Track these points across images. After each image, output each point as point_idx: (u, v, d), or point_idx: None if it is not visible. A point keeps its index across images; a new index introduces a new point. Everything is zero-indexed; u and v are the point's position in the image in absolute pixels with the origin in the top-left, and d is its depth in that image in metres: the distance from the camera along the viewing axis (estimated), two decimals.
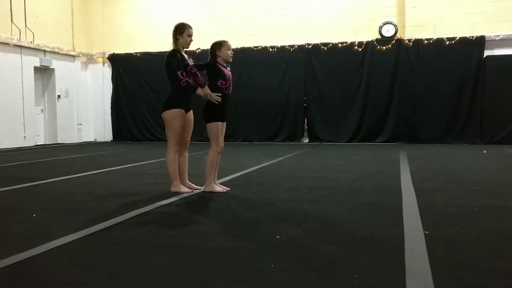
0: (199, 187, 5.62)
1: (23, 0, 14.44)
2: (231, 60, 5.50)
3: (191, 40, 5.50)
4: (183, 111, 5.39)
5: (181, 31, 5.42)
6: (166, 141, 5.54)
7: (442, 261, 2.88)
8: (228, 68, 5.51)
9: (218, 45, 5.39)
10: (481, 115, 13.42)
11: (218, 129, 5.40)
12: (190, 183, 5.70)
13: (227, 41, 5.42)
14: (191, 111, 5.58)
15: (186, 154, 5.68)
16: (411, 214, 4.18)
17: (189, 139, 5.66)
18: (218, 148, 5.45)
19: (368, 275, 2.65)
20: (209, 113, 5.38)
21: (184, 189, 5.48)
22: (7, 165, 8.99)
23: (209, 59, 5.45)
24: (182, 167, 5.61)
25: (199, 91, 5.29)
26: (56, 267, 2.86)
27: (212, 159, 5.45)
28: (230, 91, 5.47)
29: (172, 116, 5.36)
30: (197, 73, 5.32)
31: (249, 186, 5.94)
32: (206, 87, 5.29)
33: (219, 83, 5.33)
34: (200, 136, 13.09)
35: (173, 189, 5.46)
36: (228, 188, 5.59)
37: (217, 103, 5.28)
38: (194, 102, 5.51)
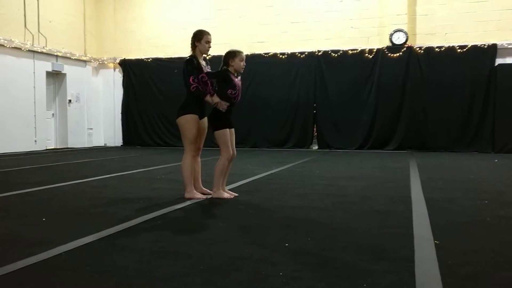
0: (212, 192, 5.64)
1: (36, 6, 14.60)
2: (242, 71, 5.50)
3: (210, 47, 5.53)
4: (197, 116, 5.40)
5: (199, 38, 5.45)
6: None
7: (452, 271, 2.84)
8: (239, 78, 5.51)
9: (232, 55, 5.39)
10: (492, 124, 13.32)
11: (226, 136, 5.40)
12: (204, 189, 5.70)
13: (242, 52, 5.43)
14: (206, 118, 5.59)
15: (199, 159, 5.69)
16: (421, 223, 4.15)
17: (202, 145, 5.68)
18: (228, 156, 5.44)
19: (378, 284, 2.63)
20: (216, 121, 5.39)
21: (197, 195, 5.47)
22: (18, 169, 9.05)
23: (221, 66, 5.46)
24: (196, 172, 5.63)
25: (208, 98, 5.30)
26: (64, 272, 2.86)
27: (222, 166, 5.44)
28: (238, 100, 5.48)
29: (186, 122, 5.38)
30: (208, 82, 5.34)
31: (258, 193, 5.93)
32: (216, 96, 5.30)
33: (228, 92, 5.33)
34: (210, 142, 13.09)
35: (187, 195, 5.45)
36: (236, 194, 5.58)
37: (224, 111, 5.28)
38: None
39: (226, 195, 5.49)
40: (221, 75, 5.40)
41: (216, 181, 5.46)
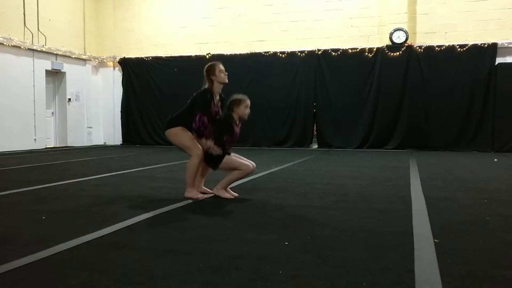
0: (213, 192, 5.63)
1: (36, 5, 14.60)
2: (246, 118, 5.47)
3: (226, 74, 5.42)
4: (184, 128, 5.35)
5: (213, 71, 5.35)
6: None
7: (451, 270, 2.84)
8: (240, 125, 5.46)
9: (237, 102, 5.36)
10: (492, 123, 13.32)
11: (230, 159, 5.36)
12: (204, 188, 5.69)
13: (247, 99, 5.40)
14: None
15: None
16: (421, 222, 4.15)
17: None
18: (249, 169, 5.42)
19: (377, 283, 2.63)
20: (213, 159, 5.34)
21: (198, 195, 5.44)
22: (17, 167, 9.05)
23: (225, 112, 5.41)
24: (204, 171, 5.60)
25: (203, 142, 5.27)
26: (63, 270, 2.86)
27: (237, 177, 5.44)
28: (230, 145, 5.44)
29: (175, 133, 5.35)
30: (207, 127, 5.27)
31: (257, 192, 5.92)
32: (210, 142, 5.25)
33: (224, 138, 5.30)
34: None
35: (187, 194, 5.41)
36: (236, 194, 5.56)
37: (215, 154, 5.25)
38: None
39: (227, 194, 5.47)
40: (225, 124, 5.34)
41: (226, 180, 5.45)
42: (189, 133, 5.35)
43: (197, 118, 5.19)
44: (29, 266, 2.95)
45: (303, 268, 2.87)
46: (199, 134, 5.29)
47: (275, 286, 2.58)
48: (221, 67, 5.42)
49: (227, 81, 5.43)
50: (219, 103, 5.48)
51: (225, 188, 5.49)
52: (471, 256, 3.14)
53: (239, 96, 5.44)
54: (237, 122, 5.42)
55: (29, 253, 3.16)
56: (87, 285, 2.61)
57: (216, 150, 5.26)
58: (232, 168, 5.38)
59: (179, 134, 5.35)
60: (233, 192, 5.58)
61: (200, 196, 5.44)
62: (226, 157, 5.36)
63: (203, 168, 5.57)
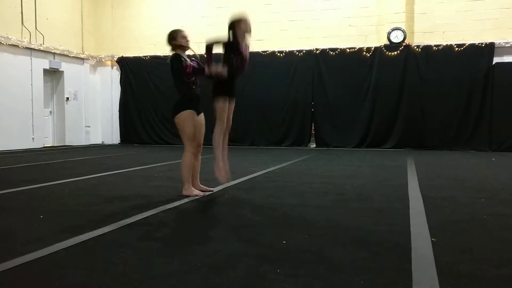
0: (211, 189, 5.64)
1: (34, 3, 14.57)
2: (251, 33, 5.46)
3: (188, 40, 5.56)
4: (193, 112, 5.40)
5: (174, 37, 5.52)
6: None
7: (449, 269, 2.85)
8: (244, 45, 5.46)
9: (237, 21, 5.43)
10: (489, 122, 13.35)
11: (222, 111, 5.35)
12: (202, 186, 5.70)
13: (246, 16, 5.48)
14: (202, 114, 5.58)
15: (199, 156, 5.67)
16: (419, 221, 4.15)
17: (202, 142, 5.65)
18: (222, 128, 5.43)
19: (375, 282, 2.63)
20: (219, 88, 5.35)
21: (195, 192, 5.47)
22: (15, 166, 9.04)
23: (228, 36, 5.40)
24: (195, 170, 5.62)
25: (207, 71, 5.27)
26: (61, 269, 2.86)
27: (218, 140, 5.43)
28: (245, 69, 5.47)
29: (183, 119, 5.37)
30: (203, 67, 5.35)
31: (255, 191, 5.92)
32: (216, 65, 5.24)
33: (234, 61, 5.31)
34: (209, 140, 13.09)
35: (184, 192, 5.45)
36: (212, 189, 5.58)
37: (226, 76, 5.23)
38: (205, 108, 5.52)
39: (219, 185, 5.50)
40: (229, 43, 5.35)
41: (217, 156, 5.45)
42: (194, 124, 5.39)
43: (185, 69, 5.27)
44: (26, 265, 2.94)
45: (301, 267, 2.88)
46: (200, 73, 5.34)
47: (273, 286, 2.58)
48: (184, 33, 5.58)
49: (188, 45, 5.55)
50: (193, 60, 5.56)
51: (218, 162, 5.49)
52: (468, 256, 3.15)
53: (235, 16, 5.50)
54: (242, 44, 5.41)
55: (27, 252, 3.15)
56: (85, 285, 2.61)
57: (224, 69, 5.22)
58: (216, 115, 5.37)
59: (185, 120, 5.38)
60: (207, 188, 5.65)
61: (198, 193, 5.45)
62: (225, 105, 5.34)
63: (195, 166, 5.60)
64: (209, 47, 5.33)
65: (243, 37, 5.42)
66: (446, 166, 9.21)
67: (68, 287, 2.58)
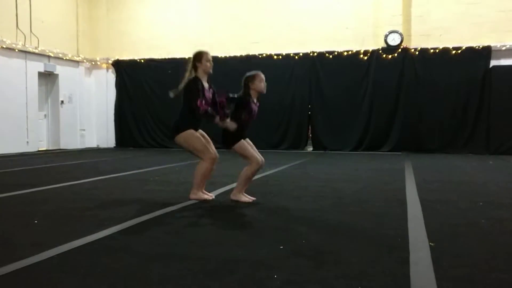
0: (212, 196, 5.60)
1: (28, 6, 14.51)
2: (265, 92, 5.42)
3: (211, 65, 5.43)
4: (193, 130, 5.30)
5: (199, 58, 5.36)
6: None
7: (447, 274, 2.83)
8: (257, 103, 5.44)
9: (251, 78, 5.33)
10: (487, 126, 13.35)
11: (244, 144, 5.31)
12: (204, 191, 5.64)
13: (260, 73, 5.37)
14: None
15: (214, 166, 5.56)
16: (416, 225, 4.13)
17: (215, 150, 5.47)
18: (257, 161, 5.36)
19: (372, 286, 2.61)
20: (229, 138, 5.30)
21: (204, 196, 5.45)
22: (10, 170, 8.98)
23: (242, 91, 5.36)
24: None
25: (218, 122, 5.22)
26: (56, 275, 2.83)
27: (247, 174, 5.37)
28: (249, 123, 5.43)
29: (186, 138, 5.28)
30: (225, 106, 5.26)
31: (252, 195, 5.89)
32: (226, 121, 5.19)
33: (242, 116, 5.28)
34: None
35: (192, 196, 5.42)
36: (254, 198, 5.46)
37: (232, 130, 5.21)
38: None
39: (245, 198, 5.40)
40: (241, 101, 5.30)
41: (240, 185, 5.39)
42: (199, 136, 5.32)
43: (198, 104, 5.13)
44: (21, 270, 2.90)
45: (299, 273, 2.85)
46: (208, 117, 5.24)
47: None
48: (209, 57, 5.43)
49: (211, 71, 5.46)
50: (211, 87, 5.45)
51: (241, 192, 5.42)
52: (466, 260, 3.13)
53: (252, 72, 5.43)
54: (255, 100, 5.39)
55: (22, 258, 3.12)
56: None
57: (233, 125, 5.19)
58: (244, 155, 5.32)
59: (189, 139, 5.29)
60: (250, 196, 5.48)
61: (206, 197, 5.46)
62: (242, 141, 5.31)
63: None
64: (222, 104, 5.25)
65: (256, 95, 5.39)
66: (444, 170, 9.20)
67: None
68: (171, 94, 5.40)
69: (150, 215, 4.59)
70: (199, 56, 5.39)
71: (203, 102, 5.16)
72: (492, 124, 13.23)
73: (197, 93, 5.17)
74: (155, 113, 16.07)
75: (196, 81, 5.26)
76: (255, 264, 3.02)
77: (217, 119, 5.22)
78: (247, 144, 5.36)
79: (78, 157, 12.23)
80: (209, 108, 5.21)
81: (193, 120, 5.31)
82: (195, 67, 5.38)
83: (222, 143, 5.38)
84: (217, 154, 5.44)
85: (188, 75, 5.36)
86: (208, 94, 5.33)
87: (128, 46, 16.61)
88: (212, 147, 5.42)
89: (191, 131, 5.28)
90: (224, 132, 5.32)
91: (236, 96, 5.37)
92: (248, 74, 5.41)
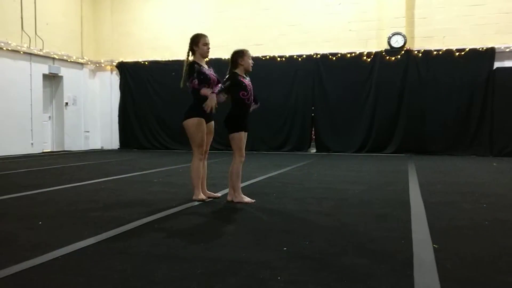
0: (217, 195, 5.65)
1: (33, 8, 14.57)
2: (251, 70, 5.49)
3: (208, 48, 5.51)
4: (203, 120, 5.38)
5: (197, 41, 5.44)
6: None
7: (451, 275, 2.83)
8: (248, 79, 5.49)
9: (241, 54, 5.38)
10: (490, 127, 13.31)
11: (241, 139, 5.36)
12: (209, 192, 5.69)
13: (248, 50, 5.43)
14: (213, 122, 5.58)
15: (205, 163, 5.66)
16: (420, 227, 4.13)
17: (208, 149, 5.64)
18: (242, 158, 5.40)
19: None
20: (232, 123, 5.34)
21: (205, 196, 5.51)
22: (14, 172, 9.01)
23: (229, 68, 5.41)
24: (202, 176, 5.61)
25: (203, 91, 5.25)
26: (61, 276, 2.84)
27: (237, 169, 5.40)
28: (251, 101, 5.48)
29: (193, 125, 5.37)
30: (222, 87, 5.31)
31: (256, 196, 5.89)
32: (211, 98, 5.19)
33: (240, 94, 5.32)
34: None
35: (194, 197, 5.47)
36: (253, 200, 5.48)
37: (208, 111, 5.20)
38: (217, 115, 5.51)
39: (247, 199, 5.42)
40: (231, 80, 5.32)
41: (235, 184, 5.41)
42: (203, 130, 5.38)
43: (196, 84, 5.25)
44: (25, 272, 2.92)
45: (302, 274, 2.85)
46: (202, 89, 5.27)
47: None
48: (207, 40, 5.49)
49: (208, 55, 5.51)
50: (210, 68, 5.53)
51: (240, 192, 5.45)
52: (470, 261, 3.12)
53: (240, 48, 5.46)
54: (244, 75, 5.43)
55: (26, 259, 3.13)
56: None
57: (212, 106, 5.16)
58: (236, 147, 5.34)
59: (195, 127, 5.36)
60: (250, 199, 5.50)
61: (211, 196, 5.57)
62: (243, 133, 5.35)
63: (202, 171, 5.59)
64: (222, 90, 5.30)
65: (243, 71, 5.42)
66: (447, 171, 9.19)
67: None
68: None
69: (153, 216, 4.61)
70: (196, 39, 5.47)
71: (192, 81, 5.26)
72: (496, 126, 13.18)
73: (195, 75, 5.25)
74: (159, 114, 16.09)
75: (191, 64, 5.35)
76: (258, 265, 3.02)
77: (203, 90, 5.25)
78: (244, 140, 5.40)
79: (82, 159, 12.26)
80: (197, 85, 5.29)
81: (202, 106, 5.28)
82: (192, 51, 5.46)
83: (225, 125, 5.39)
84: (207, 150, 5.58)
85: (186, 60, 5.46)
86: (211, 75, 5.42)
87: (132, 48, 16.66)
88: (206, 147, 5.53)
89: (201, 120, 5.37)
90: (230, 116, 5.35)
91: (225, 80, 5.38)
92: (236, 50, 5.45)
